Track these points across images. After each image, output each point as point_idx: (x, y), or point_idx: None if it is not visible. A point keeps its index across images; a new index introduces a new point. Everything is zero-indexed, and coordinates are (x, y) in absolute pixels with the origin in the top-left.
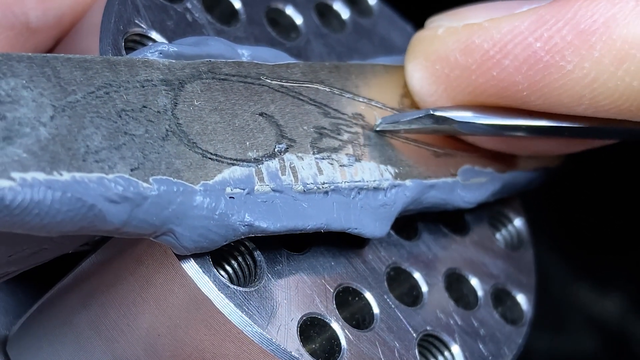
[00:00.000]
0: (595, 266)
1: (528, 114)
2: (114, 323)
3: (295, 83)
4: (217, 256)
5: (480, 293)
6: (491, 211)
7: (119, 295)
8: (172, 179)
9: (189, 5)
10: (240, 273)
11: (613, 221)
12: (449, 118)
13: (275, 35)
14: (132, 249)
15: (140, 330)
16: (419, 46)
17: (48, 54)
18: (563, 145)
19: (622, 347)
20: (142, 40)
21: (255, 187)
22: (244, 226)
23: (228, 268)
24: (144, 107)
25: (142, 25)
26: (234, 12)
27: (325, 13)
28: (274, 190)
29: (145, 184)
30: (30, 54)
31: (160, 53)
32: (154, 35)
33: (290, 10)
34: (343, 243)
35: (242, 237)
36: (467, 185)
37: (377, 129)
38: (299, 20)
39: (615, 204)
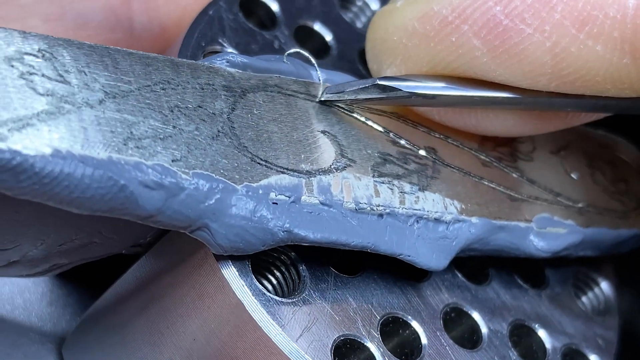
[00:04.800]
0: None
1: (489, 87)
2: (155, 325)
3: (368, 111)
4: (261, 267)
5: (548, 346)
6: (577, 272)
7: (161, 296)
8: (213, 175)
9: (279, 34)
10: (284, 285)
11: None
12: (395, 87)
13: (365, 73)
14: (174, 247)
15: (177, 334)
16: (377, 20)
17: (111, 46)
18: (536, 122)
19: None
20: None
21: (303, 197)
22: (282, 232)
23: (272, 279)
24: (199, 107)
25: (225, 45)
26: (325, 46)
27: None
28: (322, 203)
29: (184, 175)
30: (93, 43)
31: (228, 62)
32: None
33: None
34: (400, 274)
35: (282, 243)
36: (541, 233)
37: (322, 98)
38: None
39: None
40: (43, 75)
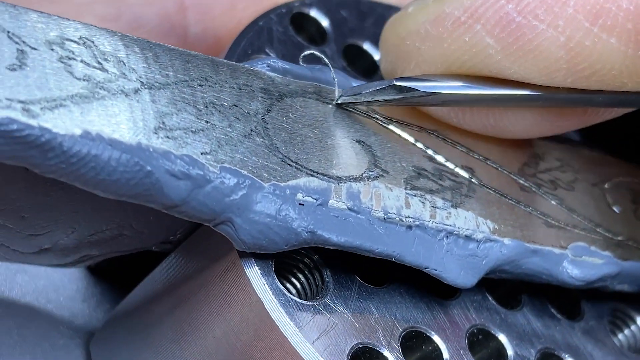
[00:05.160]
0: None
1: (506, 85)
2: (180, 324)
3: (407, 127)
4: (285, 269)
5: None
6: (615, 308)
7: (187, 296)
8: (241, 170)
9: (327, 50)
10: (308, 288)
11: None
12: (412, 88)
13: None
14: (203, 247)
15: (199, 331)
16: (389, 27)
17: (153, 41)
18: (554, 120)
19: None
20: None
21: (330, 201)
22: (306, 232)
23: (295, 282)
24: (235, 105)
25: (271, 55)
26: (374, 65)
27: None
28: (349, 209)
29: (211, 168)
30: (136, 37)
31: (268, 66)
32: None
33: None
34: (427, 291)
35: (305, 244)
36: (576, 261)
37: (339, 101)
38: None
39: None
40: (82, 61)
